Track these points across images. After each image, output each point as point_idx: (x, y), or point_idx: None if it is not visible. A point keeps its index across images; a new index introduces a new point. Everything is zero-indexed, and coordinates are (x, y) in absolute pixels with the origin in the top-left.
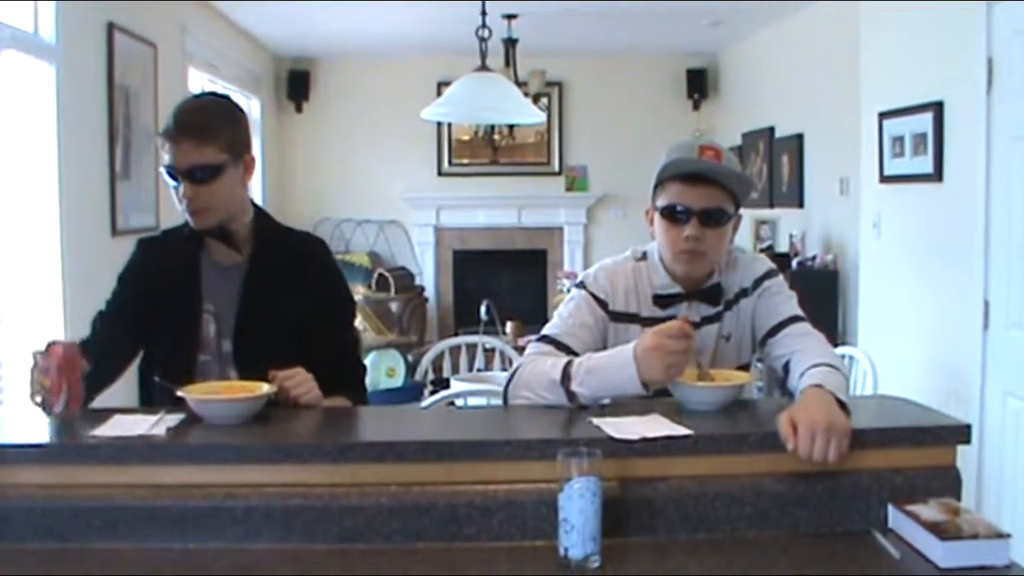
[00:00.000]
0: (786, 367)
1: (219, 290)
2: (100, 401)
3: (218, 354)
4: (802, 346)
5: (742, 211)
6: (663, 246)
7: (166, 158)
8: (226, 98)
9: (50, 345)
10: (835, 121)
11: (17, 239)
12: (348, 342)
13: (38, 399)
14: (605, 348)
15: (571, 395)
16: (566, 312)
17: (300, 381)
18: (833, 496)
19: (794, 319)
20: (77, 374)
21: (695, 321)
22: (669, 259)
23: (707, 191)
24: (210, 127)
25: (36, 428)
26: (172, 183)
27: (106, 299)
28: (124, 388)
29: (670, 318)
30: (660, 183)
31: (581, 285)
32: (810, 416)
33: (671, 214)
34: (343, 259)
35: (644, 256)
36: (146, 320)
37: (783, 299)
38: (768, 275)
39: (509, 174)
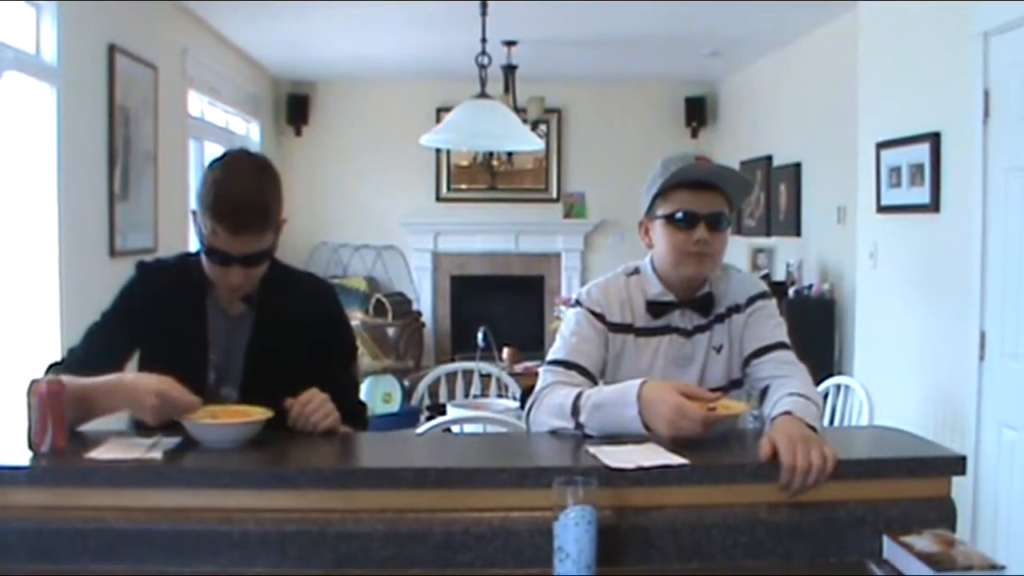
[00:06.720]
0: (764, 391)
1: (222, 339)
2: (96, 424)
3: (215, 399)
4: (784, 373)
5: (741, 239)
6: (669, 252)
7: (214, 241)
8: (263, 159)
9: (33, 383)
10: (833, 150)
11: (16, 259)
12: (349, 383)
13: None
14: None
15: (579, 426)
16: (568, 332)
17: (317, 406)
18: (828, 526)
19: (781, 345)
20: (61, 411)
21: (687, 329)
22: (675, 263)
23: (711, 196)
24: (269, 213)
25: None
26: (216, 262)
27: (102, 311)
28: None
29: (663, 328)
30: (662, 192)
31: (577, 303)
32: (786, 433)
33: (680, 220)
34: (340, 283)
35: (636, 271)
36: (141, 350)
37: (774, 324)
38: (762, 295)
39: (507, 200)
